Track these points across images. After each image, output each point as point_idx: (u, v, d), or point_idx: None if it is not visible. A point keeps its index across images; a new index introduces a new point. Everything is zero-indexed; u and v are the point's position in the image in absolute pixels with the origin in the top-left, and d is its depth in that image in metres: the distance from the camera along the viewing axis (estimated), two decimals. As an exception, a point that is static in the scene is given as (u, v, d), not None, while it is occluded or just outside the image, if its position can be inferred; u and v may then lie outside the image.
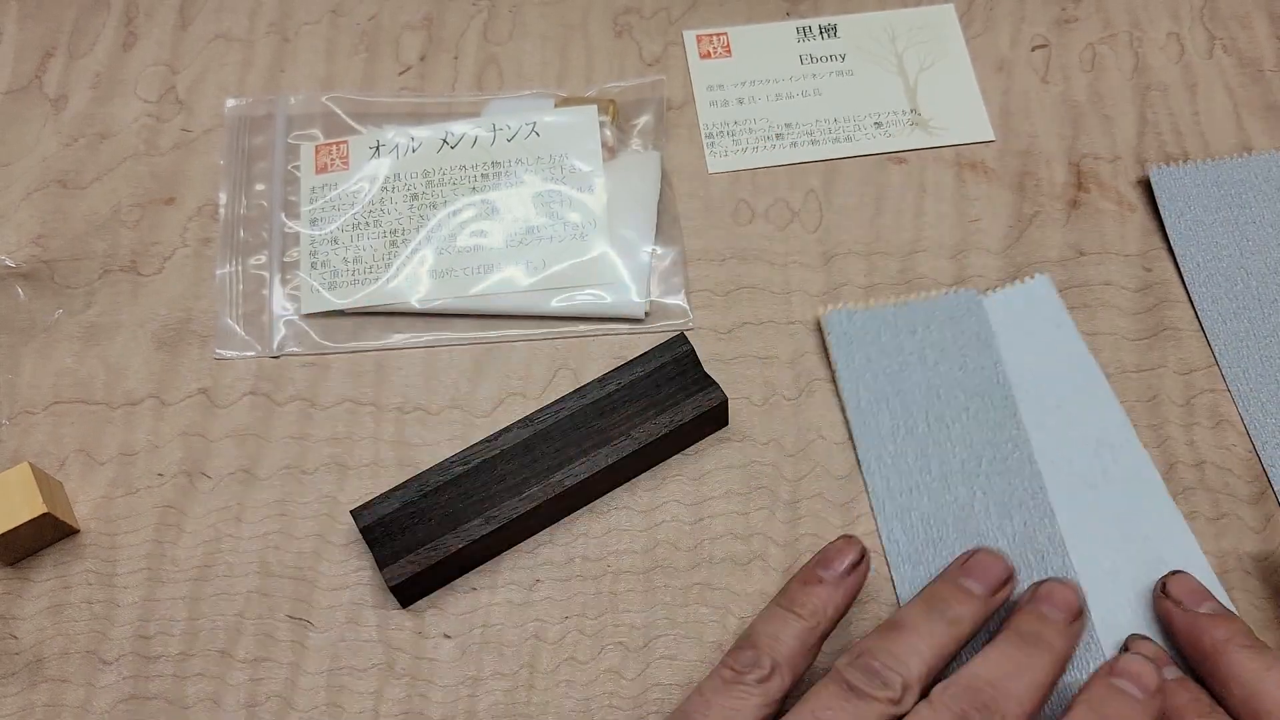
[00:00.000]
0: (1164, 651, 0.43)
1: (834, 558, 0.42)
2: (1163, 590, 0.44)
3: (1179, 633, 0.43)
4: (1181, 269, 0.53)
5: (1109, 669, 0.39)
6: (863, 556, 0.43)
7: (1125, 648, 0.44)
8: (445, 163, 0.55)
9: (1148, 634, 0.44)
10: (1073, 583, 0.42)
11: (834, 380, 0.51)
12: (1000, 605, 0.42)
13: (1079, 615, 0.41)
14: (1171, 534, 0.47)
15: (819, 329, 0.52)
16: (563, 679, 0.45)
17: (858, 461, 0.49)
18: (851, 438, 0.49)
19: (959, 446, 0.48)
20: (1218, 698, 0.41)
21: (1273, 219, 0.54)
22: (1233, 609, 0.45)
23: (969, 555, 0.43)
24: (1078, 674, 0.44)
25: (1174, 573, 0.44)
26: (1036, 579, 0.45)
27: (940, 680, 0.39)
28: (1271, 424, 0.49)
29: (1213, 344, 0.51)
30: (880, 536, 0.47)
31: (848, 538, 0.43)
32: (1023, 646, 0.39)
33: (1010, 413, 0.49)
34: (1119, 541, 0.47)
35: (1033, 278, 0.53)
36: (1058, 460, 0.48)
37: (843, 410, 0.50)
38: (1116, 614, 0.45)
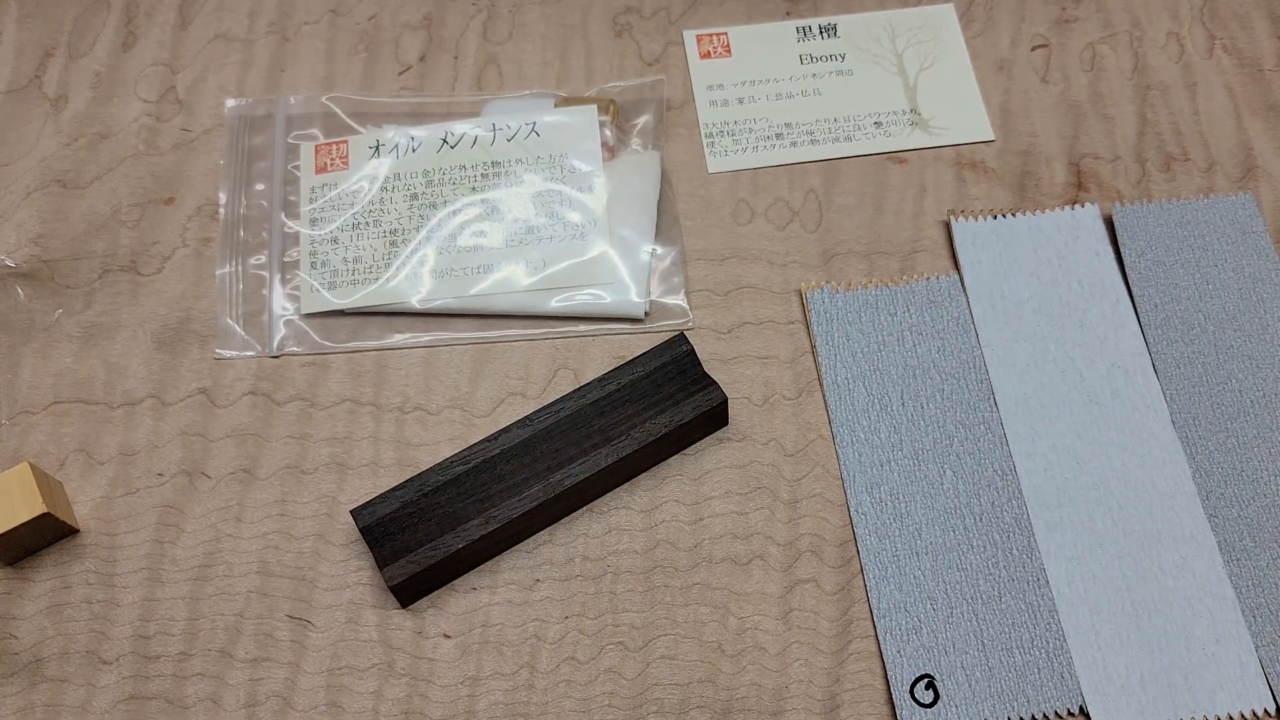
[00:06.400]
0: None
1: None
2: None
3: None
4: (1138, 309, 0.52)
5: None
6: None
7: None
8: (445, 163, 0.55)
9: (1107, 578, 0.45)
10: None
11: (813, 354, 0.51)
12: None
13: None
14: (1166, 459, 0.48)
15: (803, 304, 0.52)
16: (563, 679, 0.45)
17: (833, 436, 0.49)
18: (828, 412, 0.50)
19: (932, 425, 0.49)
20: None
21: (1234, 263, 0.53)
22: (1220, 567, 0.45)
23: None
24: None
25: None
26: (1001, 557, 0.47)
27: None
28: (1218, 473, 0.48)
29: (1164, 388, 0.50)
30: (849, 509, 0.48)
31: None
32: None
33: (985, 395, 0.50)
34: (1114, 454, 0.48)
35: (1084, 206, 0.54)
36: (1069, 373, 0.50)
37: (822, 387, 0.50)
38: (1086, 558, 0.47)
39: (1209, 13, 0.60)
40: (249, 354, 0.52)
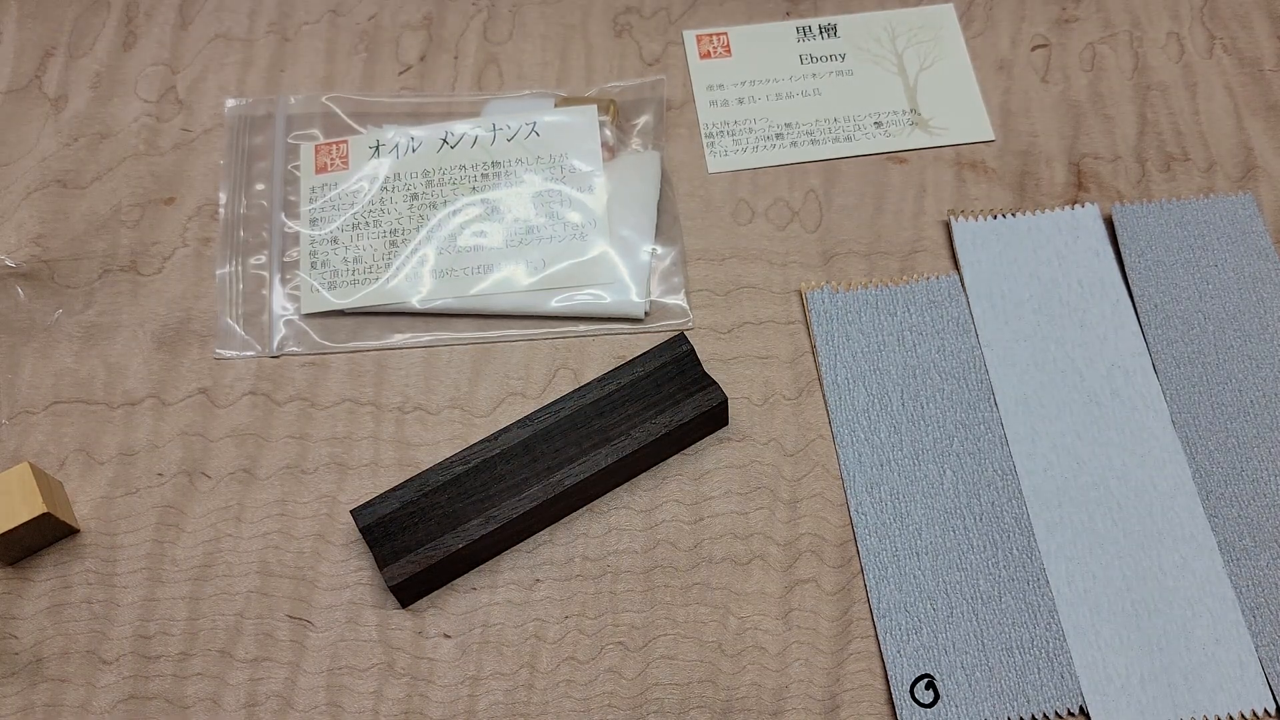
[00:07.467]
0: None
1: None
2: None
3: None
4: (1138, 309, 0.52)
5: None
6: None
7: None
8: (445, 163, 0.55)
9: (1107, 578, 0.46)
10: None
11: (813, 354, 0.51)
12: None
13: None
14: (1166, 459, 0.48)
15: (803, 304, 0.52)
16: (563, 679, 0.45)
17: (833, 436, 0.49)
18: (828, 412, 0.50)
19: (932, 425, 0.49)
20: None
21: (1234, 263, 0.53)
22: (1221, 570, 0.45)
23: None
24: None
25: None
26: (1001, 557, 0.47)
27: None
28: (1218, 473, 0.48)
29: (1164, 388, 0.50)
30: (849, 509, 0.48)
31: None
32: None
33: (985, 395, 0.50)
34: (1114, 454, 0.48)
35: (1084, 206, 0.54)
36: (1069, 373, 0.50)
37: (822, 387, 0.50)
38: (1087, 557, 0.47)
39: (1209, 13, 0.60)
40: (249, 354, 0.52)
